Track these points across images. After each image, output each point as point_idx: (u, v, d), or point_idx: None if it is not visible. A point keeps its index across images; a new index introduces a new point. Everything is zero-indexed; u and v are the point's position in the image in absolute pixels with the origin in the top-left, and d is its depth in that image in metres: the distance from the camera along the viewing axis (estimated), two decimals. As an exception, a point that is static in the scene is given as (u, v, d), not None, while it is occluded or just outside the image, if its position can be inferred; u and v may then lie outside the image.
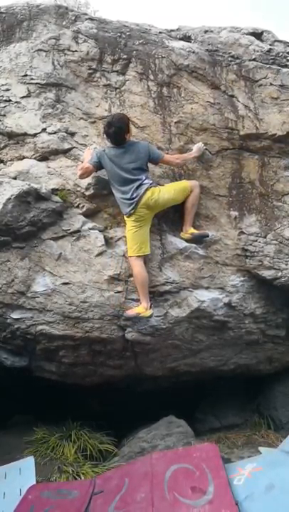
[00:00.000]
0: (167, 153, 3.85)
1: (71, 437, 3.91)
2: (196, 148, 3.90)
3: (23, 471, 3.37)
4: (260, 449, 3.74)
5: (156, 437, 3.73)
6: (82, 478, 3.40)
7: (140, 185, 3.60)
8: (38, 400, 4.37)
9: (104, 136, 3.73)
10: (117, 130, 3.58)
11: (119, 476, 3.03)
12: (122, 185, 3.62)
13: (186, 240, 3.85)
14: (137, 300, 3.66)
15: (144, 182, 3.61)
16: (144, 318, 3.58)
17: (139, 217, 3.62)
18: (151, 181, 3.67)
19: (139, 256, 3.62)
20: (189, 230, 3.83)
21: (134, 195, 3.58)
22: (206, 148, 3.99)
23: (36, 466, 3.40)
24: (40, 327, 3.62)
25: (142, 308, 3.57)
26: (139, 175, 3.62)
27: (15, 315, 3.61)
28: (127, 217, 3.66)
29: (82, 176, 3.68)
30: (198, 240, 3.85)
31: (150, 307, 3.60)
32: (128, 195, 3.59)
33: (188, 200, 3.79)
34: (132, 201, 3.58)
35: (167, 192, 3.69)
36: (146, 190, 3.59)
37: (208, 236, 3.87)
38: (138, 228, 3.63)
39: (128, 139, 3.66)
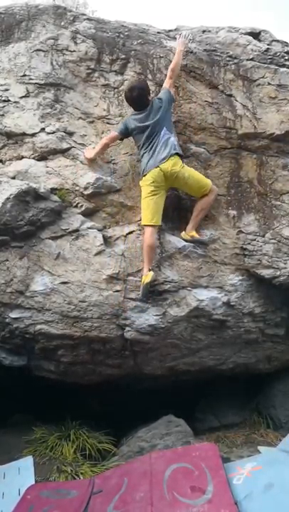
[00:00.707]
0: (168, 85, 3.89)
1: (70, 437, 3.90)
2: (180, 42, 4.03)
3: (22, 471, 3.37)
4: (260, 448, 3.75)
5: (155, 437, 3.73)
6: (81, 477, 3.40)
7: (168, 141, 3.67)
8: (37, 399, 4.35)
9: (128, 103, 3.85)
10: (141, 92, 3.73)
11: (119, 476, 3.03)
12: (150, 145, 3.70)
13: (184, 240, 3.85)
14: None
15: (171, 139, 3.69)
16: (146, 284, 3.56)
17: (155, 182, 3.64)
18: (176, 142, 3.73)
19: (151, 225, 3.64)
20: (191, 233, 3.82)
21: (161, 154, 3.64)
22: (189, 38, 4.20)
23: (35, 466, 3.42)
24: (38, 326, 3.62)
25: (143, 277, 3.60)
26: (166, 131, 3.69)
27: (14, 314, 3.61)
28: (144, 180, 3.70)
29: (104, 147, 3.80)
30: (195, 243, 3.85)
31: (149, 271, 3.60)
32: (155, 152, 3.66)
33: (201, 202, 3.81)
34: (156, 158, 3.64)
35: (189, 173, 3.71)
36: (172, 155, 3.65)
37: (206, 244, 3.88)
38: (152, 196, 3.65)
39: (150, 100, 3.78)
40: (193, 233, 3.80)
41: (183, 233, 3.86)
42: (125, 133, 3.80)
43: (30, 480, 3.23)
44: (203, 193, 3.79)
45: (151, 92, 3.89)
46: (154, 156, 3.67)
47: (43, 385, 4.19)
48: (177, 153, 3.71)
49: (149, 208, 3.67)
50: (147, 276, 3.57)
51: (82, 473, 3.46)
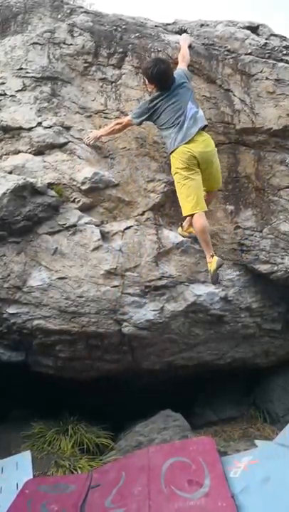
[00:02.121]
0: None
1: (68, 431, 3.93)
2: (183, 39, 4.02)
3: (20, 466, 3.38)
4: (257, 442, 3.78)
5: (153, 431, 3.75)
6: (79, 472, 3.42)
7: (196, 116, 3.48)
8: (35, 395, 4.36)
9: (152, 80, 3.55)
10: (167, 65, 3.54)
11: (116, 470, 3.05)
12: (177, 121, 3.46)
13: (183, 236, 3.85)
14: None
15: (200, 113, 3.53)
16: (214, 271, 3.35)
17: (186, 164, 3.39)
18: (203, 114, 3.58)
19: (196, 214, 3.40)
20: (189, 229, 3.79)
21: (191, 129, 3.43)
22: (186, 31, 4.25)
23: (33, 461, 3.43)
24: (36, 322, 3.62)
25: (208, 265, 3.40)
26: (192, 105, 3.52)
27: (11, 310, 3.61)
28: (173, 162, 3.48)
29: (113, 131, 3.72)
30: (194, 239, 3.82)
31: (212, 256, 3.36)
32: (183, 128, 3.44)
33: (207, 200, 3.69)
34: (186, 133, 3.42)
35: (217, 158, 3.57)
36: (203, 128, 3.48)
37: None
38: (186, 181, 3.40)
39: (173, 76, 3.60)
40: (191, 229, 3.79)
41: (180, 229, 3.85)
42: (141, 116, 3.59)
43: (28, 475, 3.24)
44: (214, 188, 3.69)
45: None
46: (184, 131, 3.43)
47: (41, 381, 4.19)
48: (205, 126, 3.53)
49: (188, 194, 3.40)
50: (212, 263, 3.34)
51: (80, 468, 3.49)
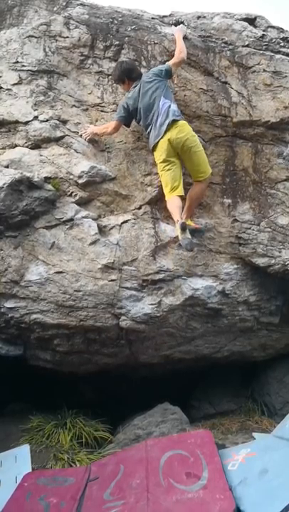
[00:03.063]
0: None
1: (66, 425, 3.93)
2: (178, 31, 4.02)
3: (19, 459, 3.40)
4: (254, 434, 3.79)
5: (151, 424, 3.76)
6: (78, 465, 3.43)
7: (168, 110, 3.58)
8: (34, 388, 4.37)
9: (122, 75, 3.80)
10: (129, 62, 3.84)
11: (115, 463, 3.06)
12: (152, 118, 3.64)
13: (180, 234, 3.80)
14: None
15: (172, 107, 3.60)
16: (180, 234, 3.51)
17: (164, 155, 3.59)
18: (178, 110, 3.66)
19: (173, 197, 3.61)
20: (188, 222, 3.77)
21: (164, 125, 3.57)
22: (183, 22, 4.26)
23: (32, 454, 3.44)
24: (34, 316, 3.62)
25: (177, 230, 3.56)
26: (165, 99, 3.62)
27: (8, 304, 3.60)
28: (155, 155, 3.68)
29: (104, 134, 3.82)
30: (192, 232, 3.81)
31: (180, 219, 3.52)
32: (157, 124, 3.61)
33: (194, 190, 3.72)
34: (159, 130, 3.59)
35: (198, 148, 3.62)
36: (174, 121, 3.56)
37: (202, 233, 3.86)
38: (165, 171, 3.61)
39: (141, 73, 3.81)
40: (189, 222, 3.78)
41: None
42: (127, 116, 3.74)
43: (27, 468, 3.26)
44: (198, 178, 3.69)
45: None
46: (157, 128, 3.60)
47: (39, 375, 4.20)
48: (178, 120, 3.59)
49: (166, 183, 3.63)
50: (176, 229, 3.54)
51: (78, 461, 3.50)
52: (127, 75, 3.78)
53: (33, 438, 3.74)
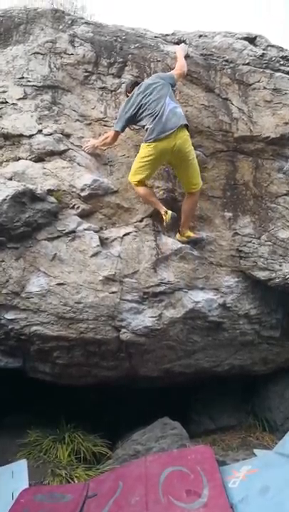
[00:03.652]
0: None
1: (65, 440, 3.88)
2: (180, 49, 4.08)
3: (16, 475, 3.32)
4: (255, 451, 3.73)
5: (150, 439, 3.70)
6: (76, 481, 3.38)
7: (175, 110, 3.57)
8: (32, 401, 4.32)
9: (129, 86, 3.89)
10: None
11: (113, 479, 3.00)
12: (157, 110, 3.57)
13: (182, 242, 3.85)
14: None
15: (179, 110, 3.61)
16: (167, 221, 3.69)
17: (154, 156, 3.59)
18: (183, 113, 3.65)
19: (139, 182, 3.70)
20: (186, 233, 3.83)
21: (170, 123, 3.52)
22: (184, 41, 4.35)
23: (29, 469, 3.36)
24: (34, 328, 3.60)
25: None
26: (171, 100, 3.61)
27: (9, 315, 3.59)
28: (145, 147, 3.61)
29: (107, 144, 3.86)
30: (193, 242, 3.86)
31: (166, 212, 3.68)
32: (163, 118, 3.54)
33: (187, 202, 3.78)
34: (165, 125, 3.52)
35: (193, 161, 3.65)
36: (182, 126, 3.55)
37: (203, 240, 3.89)
38: (145, 164, 3.65)
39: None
40: (189, 233, 3.82)
41: (178, 235, 3.86)
42: (125, 125, 3.76)
43: (23, 484, 3.18)
44: (192, 190, 3.72)
45: None
46: (163, 123, 3.52)
47: (38, 388, 4.16)
48: (186, 126, 3.62)
49: (135, 169, 3.69)
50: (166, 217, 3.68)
51: (76, 477, 3.44)
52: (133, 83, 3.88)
53: (30, 453, 3.68)
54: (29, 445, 3.80)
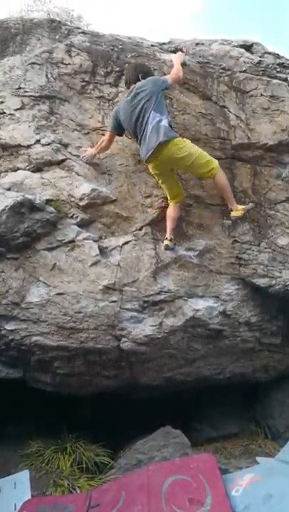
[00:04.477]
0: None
1: (67, 450, 3.86)
2: (176, 56, 4.09)
3: (18, 485, 3.32)
4: (258, 458, 3.71)
5: (152, 448, 3.69)
6: (78, 491, 3.36)
7: (158, 126, 3.52)
8: (33, 411, 4.30)
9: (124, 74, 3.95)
10: (138, 65, 3.86)
11: (116, 489, 3.00)
12: (142, 131, 3.60)
13: (241, 218, 3.88)
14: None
15: (162, 123, 3.52)
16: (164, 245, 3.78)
17: (155, 170, 3.71)
18: (170, 124, 3.59)
19: (176, 203, 3.79)
20: (239, 207, 3.82)
21: (152, 142, 3.52)
22: (181, 49, 4.37)
23: (31, 480, 3.37)
24: (34, 338, 3.60)
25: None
26: (156, 113, 3.55)
27: (9, 326, 3.58)
28: (148, 164, 3.72)
29: (101, 150, 3.88)
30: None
31: (166, 239, 3.78)
32: (146, 139, 3.57)
33: (218, 181, 3.73)
34: (149, 147, 3.55)
35: (192, 151, 3.59)
36: (167, 140, 3.50)
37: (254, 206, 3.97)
38: (160, 180, 3.78)
39: (137, 79, 3.75)
40: (241, 206, 3.83)
41: (233, 213, 3.84)
42: (118, 128, 3.78)
43: (26, 494, 3.18)
44: (210, 173, 3.69)
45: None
46: (146, 144, 3.56)
47: (39, 398, 4.15)
48: (168, 140, 3.51)
49: (164, 190, 3.82)
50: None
51: (79, 487, 3.43)
52: (127, 78, 3.87)
53: (32, 463, 3.67)
54: (31, 456, 3.78)
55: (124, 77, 3.98)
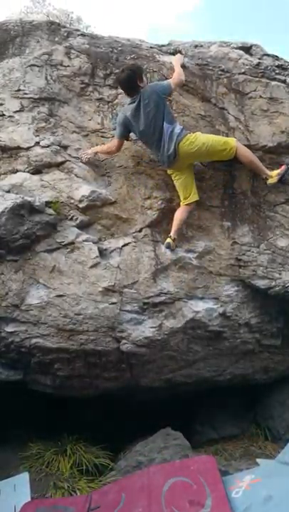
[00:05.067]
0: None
1: (67, 452, 3.86)
2: (176, 58, 4.10)
3: (18, 488, 3.31)
4: (258, 460, 3.71)
5: (153, 450, 3.69)
6: (78, 493, 3.36)
7: (172, 135, 3.66)
8: (33, 414, 4.30)
9: (119, 86, 3.91)
10: (130, 74, 3.67)
11: (116, 491, 2.99)
12: (155, 140, 3.71)
13: (275, 184, 3.91)
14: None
15: (175, 131, 3.67)
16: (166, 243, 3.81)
17: (174, 168, 3.80)
18: (181, 129, 3.72)
19: (187, 205, 3.82)
20: (273, 173, 3.89)
21: (169, 151, 3.67)
22: (180, 51, 4.38)
23: (31, 482, 3.35)
24: (34, 340, 3.60)
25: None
26: (167, 124, 3.67)
27: (9, 328, 3.59)
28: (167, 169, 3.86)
29: (111, 153, 3.93)
30: (283, 179, 3.92)
31: (170, 237, 3.81)
32: (161, 150, 3.71)
33: (242, 156, 3.82)
34: (168, 157, 3.71)
35: (205, 142, 3.71)
36: (180, 141, 3.65)
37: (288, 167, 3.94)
38: (176, 178, 3.83)
39: (142, 87, 3.72)
40: (275, 172, 3.89)
41: (269, 181, 3.92)
42: (126, 132, 3.83)
43: (26, 497, 3.17)
44: (232, 151, 3.78)
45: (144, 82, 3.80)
46: (165, 155, 3.72)
47: (39, 400, 4.15)
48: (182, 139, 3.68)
49: (178, 190, 3.86)
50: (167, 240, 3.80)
51: (79, 489, 3.43)
52: (122, 89, 3.85)
53: (32, 466, 3.67)
54: (31, 458, 3.78)
55: (119, 87, 3.94)
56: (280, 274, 3.87)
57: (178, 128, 3.71)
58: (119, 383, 4.00)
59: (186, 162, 3.78)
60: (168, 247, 3.78)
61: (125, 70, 3.73)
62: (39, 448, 3.88)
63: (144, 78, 3.83)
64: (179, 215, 3.81)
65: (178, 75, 3.89)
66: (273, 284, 3.86)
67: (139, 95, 3.68)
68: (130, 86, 3.72)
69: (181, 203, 3.84)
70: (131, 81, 3.69)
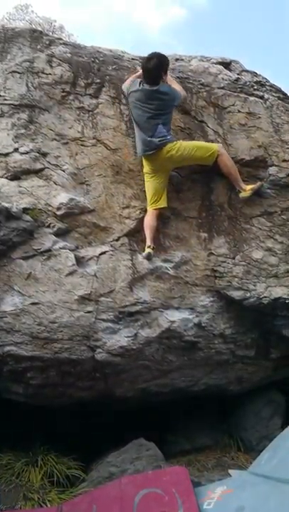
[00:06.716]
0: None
1: (38, 463, 3.78)
2: (171, 80, 4.12)
3: (-13, 500, 3.24)
4: (230, 471, 3.71)
5: (125, 461, 3.66)
6: (49, 505, 3.29)
7: (161, 135, 3.76)
8: (3, 423, 4.21)
9: (142, 70, 3.94)
10: (158, 64, 3.75)
11: (88, 502, 2.94)
12: (144, 126, 3.80)
13: (249, 198, 3.99)
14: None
15: (166, 135, 3.78)
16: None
17: (149, 167, 3.87)
18: (171, 135, 3.86)
19: (154, 209, 3.84)
20: (247, 187, 3.95)
21: (154, 142, 3.75)
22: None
23: (1, 494, 3.29)
24: (7, 348, 3.54)
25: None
26: (162, 127, 3.77)
27: (-18, 336, 3.52)
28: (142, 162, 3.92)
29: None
30: (259, 192, 4.02)
31: (148, 247, 3.75)
32: (147, 137, 3.78)
33: (223, 164, 3.92)
34: (148, 146, 3.79)
35: (188, 147, 3.82)
36: (168, 142, 3.77)
37: (262, 185, 4.05)
38: (149, 179, 3.88)
39: (164, 80, 3.82)
40: (249, 186, 3.97)
41: (241, 194, 3.99)
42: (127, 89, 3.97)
43: (-5, 509, 3.11)
44: (214, 157, 3.87)
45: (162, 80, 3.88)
46: (148, 143, 3.79)
47: (10, 409, 4.07)
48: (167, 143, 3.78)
49: (148, 192, 3.88)
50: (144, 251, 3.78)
51: (49, 501, 3.36)
52: (145, 76, 3.86)
53: (2, 477, 3.57)
54: (1, 469, 3.68)
55: (141, 70, 3.97)
56: (254, 285, 3.93)
57: (170, 135, 3.84)
58: (93, 392, 3.96)
59: (167, 165, 3.85)
60: (148, 257, 3.76)
61: (155, 57, 3.78)
62: (9, 458, 3.78)
63: (168, 73, 3.98)
64: (149, 221, 3.83)
65: (183, 91, 4.02)
66: (248, 295, 3.91)
67: (157, 87, 3.77)
68: (155, 75, 3.80)
69: (148, 207, 3.87)
70: (157, 70, 3.78)
